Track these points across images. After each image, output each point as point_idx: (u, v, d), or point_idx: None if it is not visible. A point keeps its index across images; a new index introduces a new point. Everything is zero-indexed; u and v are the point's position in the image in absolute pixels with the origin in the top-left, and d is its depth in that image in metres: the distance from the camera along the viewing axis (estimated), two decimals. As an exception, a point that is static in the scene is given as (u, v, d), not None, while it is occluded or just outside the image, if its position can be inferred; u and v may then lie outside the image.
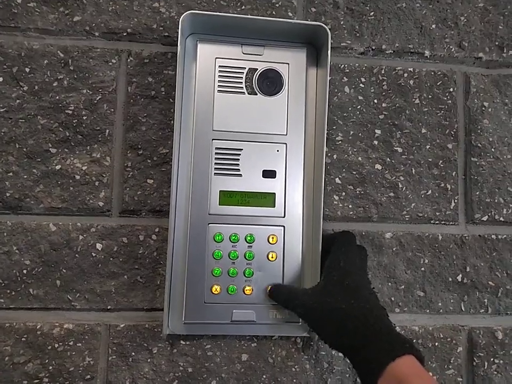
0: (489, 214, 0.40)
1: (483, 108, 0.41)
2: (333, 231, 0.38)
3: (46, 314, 0.35)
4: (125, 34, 0.37)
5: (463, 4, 0.41)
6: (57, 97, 0.36)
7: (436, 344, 0.38)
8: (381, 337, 0.26)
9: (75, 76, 0.37)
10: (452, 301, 0.39)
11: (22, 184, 0.36)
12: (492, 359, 0.38)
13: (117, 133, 0.37)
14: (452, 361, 0.38)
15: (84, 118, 0.36)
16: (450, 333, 0.39)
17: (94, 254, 0.36)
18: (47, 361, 0.34)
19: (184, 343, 0.36)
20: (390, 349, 0.25)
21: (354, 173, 0.39)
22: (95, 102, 0.37)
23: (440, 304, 0.39)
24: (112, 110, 0.37)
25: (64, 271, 0.35)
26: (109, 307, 0.35)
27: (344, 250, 0.32)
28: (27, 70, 0.36)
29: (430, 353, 0.38)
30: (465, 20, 0.41)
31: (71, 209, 0.36)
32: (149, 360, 0.35)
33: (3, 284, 0.35)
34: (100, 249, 0.36)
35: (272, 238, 0.36)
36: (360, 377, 0.26)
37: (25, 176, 0.36)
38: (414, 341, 0.38)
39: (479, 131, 0.41)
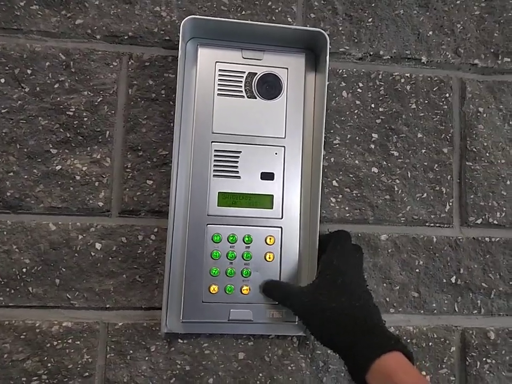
0: (483, 217, 0.41)
1: (478, 113, 0.42)
2: (327, 231, 0.38)
3: (45, 312, 0.35)
4: (126, 37, 0.38)
5: (460, 12, 0.42)
6: (58, 99, 0.37)
7: (430, 344, 0.39)
8: (368, 334, 0.26)
9: (76, 78, 0.37)
10: (445, 301, 0.40)
11: (23, 184, 0.36)
12: (484, 359, 0.39)
13: (117, 134, 0.37)
14: (445, 361, 0.39)
15: (85, 119, 0.37)
16: (444, 333, 0.39)
17: (93, 254, 0.36)
18: (45, 358, 0.35)
19: (182, 341, 0.36)
20: (376, 345, 0.26)
21: (351, 175, 0.40)
22: (96, 103, 0.37)
23: (434, 305, 0.39)
24: (113, 111, 0.37)
25: (64, 270, 0.36)
26: (107, 306, 0.36)
27: (338, 249, 0.33)
28: (29, 71, 0.37)
29: (424, 353, 0.39)
30: (461, 27, 0.42)
31: (71, 209, 0.36)
32: (146, 358, 0.36)
33: (3, 282, 0.35)
34: (99, 248, 0.36)
35: (270, 239, 0.36)
36: (349, 374, 0.27)
37: (25, 176, 0.36)
38: (408, 340, 0.39)
39: (474, 136, 0.42)
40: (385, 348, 0.25)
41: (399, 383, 0.24)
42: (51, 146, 0.36)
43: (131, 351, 0.35)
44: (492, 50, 0.42)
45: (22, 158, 0.36)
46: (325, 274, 0.31)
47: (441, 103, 0.41)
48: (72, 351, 0.35)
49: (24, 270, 0.35)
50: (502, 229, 0.41)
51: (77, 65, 0.37)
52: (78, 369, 0.35)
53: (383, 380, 0.24)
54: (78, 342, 0.35)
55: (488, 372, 0.39)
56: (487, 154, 0.42)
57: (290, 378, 0.37)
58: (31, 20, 0.37)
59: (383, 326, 0.28)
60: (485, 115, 0.42)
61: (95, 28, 0.38)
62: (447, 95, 0.42)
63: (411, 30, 0.41)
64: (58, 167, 0.36)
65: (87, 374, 0.35)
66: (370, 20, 0.41)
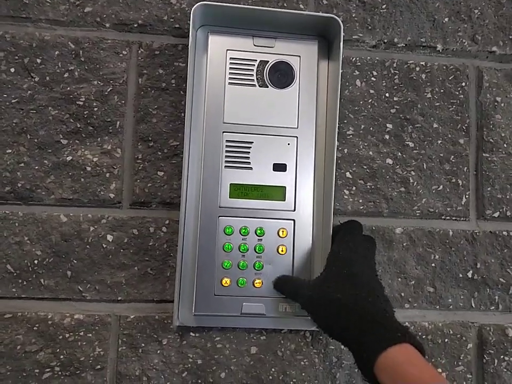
0: (500, 210, 0.40)
1: (495, 103, 0.41)
2: (339, 222, 0.37)
3: (57, 304, 0.35)
4: (135, 25, 0.37)
5: (477, -3, 0.41)
6: (68, 88, 0.36)
7: (446, 340, 0.38)
8: (375, 326, 0.26)
9: (86, 67, 0.37)
10: (462, 297, 0.39)
11: (33, 175, 0.36)
12: (502, 356, 0.38)
13: (127, 124, 0.37)
14: (461, 358, 0.38)
15: (95, 109, 0.36)
16: (460, 330, 0.38)
17: (104, 245, 0.36)
18: (58, 350, 0.34)
19: (194, 335, 0.36)
20: (382, 338, 0.25)
21: (365, 167, 0.39)
22: (106, 93, 0.37)
23: (450, 300, 0.39)
24: (123, 101, 0.37)
25: (75, 262, 0.35)
26: (119, 298, 0.36)
27: (346, 240, 0.32)
28: (38, 61, 0.36)
29: (440, 350, 0.38)
30: (479, 13, 0.41)
31: (82, 200, 0.36)
32: (158, 351, 0.35)
33: (15, 274, 0.35)
34: (110, 240, 0.36)
35: (282, 231, 0.35)
36: (358, 367, 0.26)
37: (36, 167, 0.36)
38: (424, 337, 0.38)
39: (491, 126, 0.40)
40: (392, 341, 0.25)
41: (405, 375, 0.23)
42: (61, 136, 0.36)
43: (143, 344, 0.35)
44: (511, 37, 0.41)
45: (32, 148, 0.36)
46: (331, 266, 0.30)
47: (457, 92, 0.40)
48: (84, 343, 0.35)
49: (35, 261, 0.35)
50: (521, 222, 0.40)
51: (87, 54, 0.37)
52: (90, 361, 0.35)
53: (390, 372, 0.24)
54: (90, 335, 0.35)
55: (505, 370, 0.38)
56: (505, 145, 0.40)
57: (303, 374, 0.36)
58: (39, 8, 0.36)
59: (391, 317, 0.27)
60: (502, 104, 0.41)
61: (104, 16, 0.37)
62: (463, 84, 0.40)
63: (426, 17, 0.40)
64: (69, 158, 0.36)
65: (99, 366, 0.35)
66: (384, 6, 0.40)
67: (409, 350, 0.25)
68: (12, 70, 0.36)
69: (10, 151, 0.36)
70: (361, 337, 0.26)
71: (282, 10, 0.35)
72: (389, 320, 0.27)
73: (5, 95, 0.36)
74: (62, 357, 0.34)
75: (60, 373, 0.34)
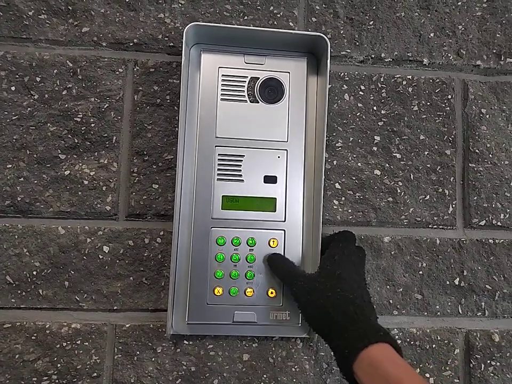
0: (486, 219, 0.41)
1: (481, 115, 0.42)
2: (333, 232, 0.38)
3: (55, 314, 0.36)
4: (131, 44, 0.39)
5: (461, 13, 0.42)
6: (66, 105, 0.38)
7: (434, 346, 0.39)
8: (357, 325, 0.27)
9: (83, 85, 0.38)
10: (449, 303, 0.40)
11: (33, 189, 0.37)
12: (488, 361, 0.39)
13: (123, 139, 0.38)
14: (449, 363, 0.39)
15: (92, 125, 0.38)
16: (448, 335, 0.39)
17: (101, 256, 0.37)
18: (55, 359, 0.35)
19: (187, 343, 0.37)
20: (364, 336, 0.26)
21: (354, 178, 0.40)
22: (103, 110, 0.38)
23: (437, 306, 0.39)
24: (119, 117, 0.38)
25: (72, 272, 0.36)
26: (115, 307, 0.37)
27: (341, 247, 0.33)
28: (38, 79, 0.38)
29: (428, 355, 0.39)
30: (463, 29, 0.42)
31: (79, 213, 0.37)
32: (153, 359, 0.36)
33: (14, 285, 0.36)
34: (106, 251, 0.37)
35: (273, 241, 0.37)
36: (337, 364, 0.27)
37: (35, 181, 0.37)
38: (412, 343, 0.39)
39: (477, 137, 0.42)
40: (373, 339, 0.26)
41: (384, 373, 0.24)
42: (60, 151, 0.37)
43: (138, 352, 0.36)
44: (494, 51, 0.42)
45: (32, 163, 0.37)
46: (325, 266, 0.32)
47: (443, 105, 0.41)
48: (81, 351, 0.36)
49: (34, 272, 0.36)
50: (506, 231, 0.41)
51: (84, 72, 0.38)
52: (87, 369, 0.36)
53: (370, 369, 0.25)
54: (87, 343, 0.36)
55: (492, 375, 0.39)
56: (490, 155, 0.42)
57: (294, 380, 0.37)
58: (39, 29, 0.38)
59: (374, 320, 0.29)
60: (487, 116, 0.42)
61: (101, 35, 0.38)
62: (449, 96, 0.42)
63: (412, 32, 0.42)
64: (67, 172, 0.37)
65: (95, 374, 0.36)
66: (371, 22, 0.41)
67: (388, 349, 0.26)
68: (13, 88, 0.37)
69: (10, 166, 0.37)
70: (344, 333, 0.27)
71: (272, 29, 0.36)
72: (371, 321, 0.28)
73: (6, 112, 0.37)
74: (59, 365, 0.35)
75: (57, 381, 0.35)
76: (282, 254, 0.36)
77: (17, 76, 0.37)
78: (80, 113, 0.38)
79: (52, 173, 0.37)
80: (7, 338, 0.35)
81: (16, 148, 0.37)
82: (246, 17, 0.40)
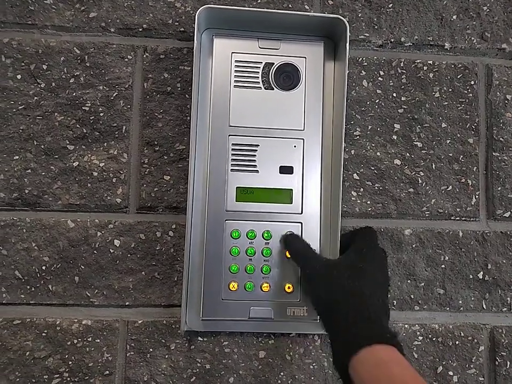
0: (511, 210, 0.39)
1: (506, 101, 0.40)
2: (353, 228, 0.37)
3: (65, 310, 0.35)
4: (140, 30, 0.37)
5: (486, -7, 0.40)
6: (74, 94, 0.36)
7: (457, 342, 0.37)
8: (366, 322, 0.26)
9: (91, 72, 0.37)
10: (472, 298, 0.38)
11: (40, 181, 0.36)
12: (515, 359, 0.38)
13: (133, 129, 0.37)
14: (473, 361, 0.37)
15: (101, 114, 0.36)
16: (472, 332, 0.38)
17: (112, 251, 0.36)
18: (66, 356, 0.34)
19: (201, 339, 0.36)
20: (372, 334, 0.25)
21: (373, 168, 0.38)
22: (112, 98, 0.37)
23: (460, 302, 0.38)
24: (129, 106, 0.37)
25: (83, 267, 0.35)
26: (127, 303, 0.35)
27: (368, 241, 0.32)
28: (44, 67, 0.36)
29: (451, 352, 0.37)
30: (487, 10, 0.40)
31: (89, 205, 0.36)
32: (166, 356, 0.35)
33: (23, 280, 0.35)
34: (117, 245, 0.36)
35: (290, 234, 0.35)
36: (333, 356, 0.26)
37: (43, 173, 0.36)
38: (434, 339, 0.37)
39: (501, 125, 0.40)
40: (380, 339, 0.25)
41: (389, 373, 0.23)
42: (68, 142, 0.36)
43: (151, 349, 0.35)
44: (521, 34, 0.40)
45: (39, 154, 0.36)
46: (349, 257, 0.31)
47: (466, 91, 0.40)
48: (92, 349, 0.35)
49: (43, 267, 0.35)
50: (533, 222, 0.39)
51: (92, 59, 0.37)
52: (99, 367, 0.35)
53: (373, 368, 0.24)
54: (98, 340, 0.35)
55: (519, 372, 0.37)
56: (515, 144, 0.40)
57: (312, 377, 0.36)
58: (45, 15, 0.37)
59: (385, 322, 0.28)
60: (512, 103, 0.40)
61: (109, 20, 0.37)
62: (472, 82, 0.40)
63: (434, 15, 0.40)
64: (76, 164, 0.36)
65: (107, 372, 0.35)
66: (390, 5, 0.39)
67: (394, 351, 0.25)
68: (19, 76, 0.36)
69: (17, 157, 0.36)
70: (351, 327, 0.26)
71: (287, 12, 0.35)
72: (382, 323, 0.27)
73: (12, 102, 0.36)
74: (70, 363, 0.34)
75: (68, 379, 0.34)
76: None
77: (23, 64, 0.36)
78: (88, 102, 0.36)
79: (60, 164, 0.36)
80: (17, 335, 0.34)
81: (23, 139, 0.36)
82: (259, 0, 0.38)
